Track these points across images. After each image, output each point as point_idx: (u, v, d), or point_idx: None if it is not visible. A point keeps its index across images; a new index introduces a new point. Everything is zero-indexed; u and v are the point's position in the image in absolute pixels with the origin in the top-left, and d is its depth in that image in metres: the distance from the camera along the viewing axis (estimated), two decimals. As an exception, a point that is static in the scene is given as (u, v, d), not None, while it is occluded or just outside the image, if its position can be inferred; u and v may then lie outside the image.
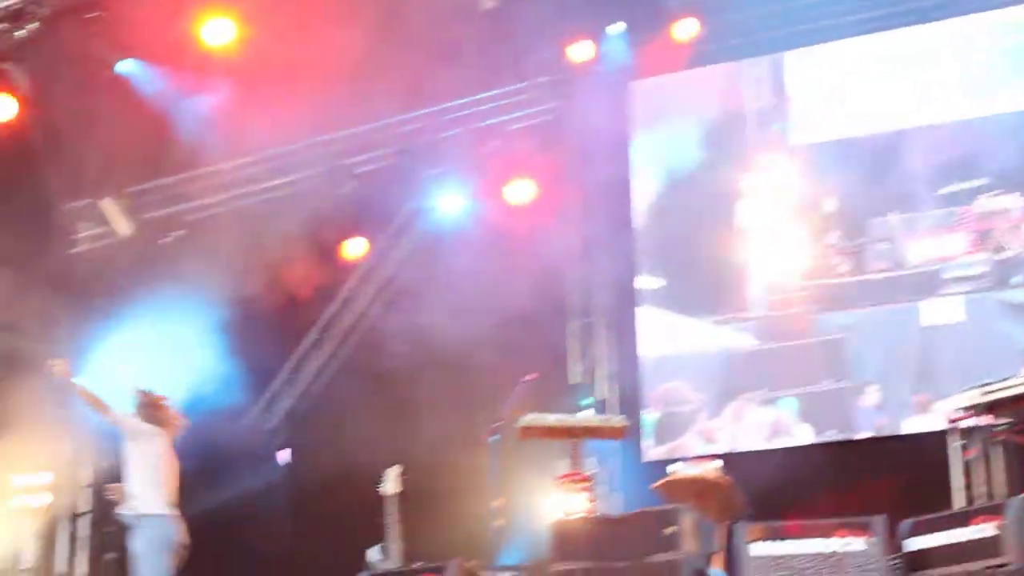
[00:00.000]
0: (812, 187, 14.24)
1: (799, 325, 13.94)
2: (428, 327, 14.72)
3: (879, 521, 8.35)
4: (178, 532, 10.13)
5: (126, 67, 13.79)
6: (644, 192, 15.00)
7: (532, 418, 11.38)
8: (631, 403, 14.29)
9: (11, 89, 13.50)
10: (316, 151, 15.41)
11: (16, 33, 12.69)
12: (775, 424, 13.76)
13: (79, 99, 14.05)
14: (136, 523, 10.09)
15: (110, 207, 15.17)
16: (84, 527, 15.08)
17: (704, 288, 14.52)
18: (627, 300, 14.86)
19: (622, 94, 15.19)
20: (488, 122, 15.29)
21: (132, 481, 10.21)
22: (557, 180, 15.17)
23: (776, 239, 14.30)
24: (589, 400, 14.63)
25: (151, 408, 10.43)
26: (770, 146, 14.53)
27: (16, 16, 12.67)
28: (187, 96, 14.38)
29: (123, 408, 10.41)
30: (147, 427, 10.32)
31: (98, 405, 10.23)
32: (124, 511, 10.17)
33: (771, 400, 13.89)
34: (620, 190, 15.02)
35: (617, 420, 11.71)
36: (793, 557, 7.72)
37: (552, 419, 11.43)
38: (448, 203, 15.84)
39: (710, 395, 14.15)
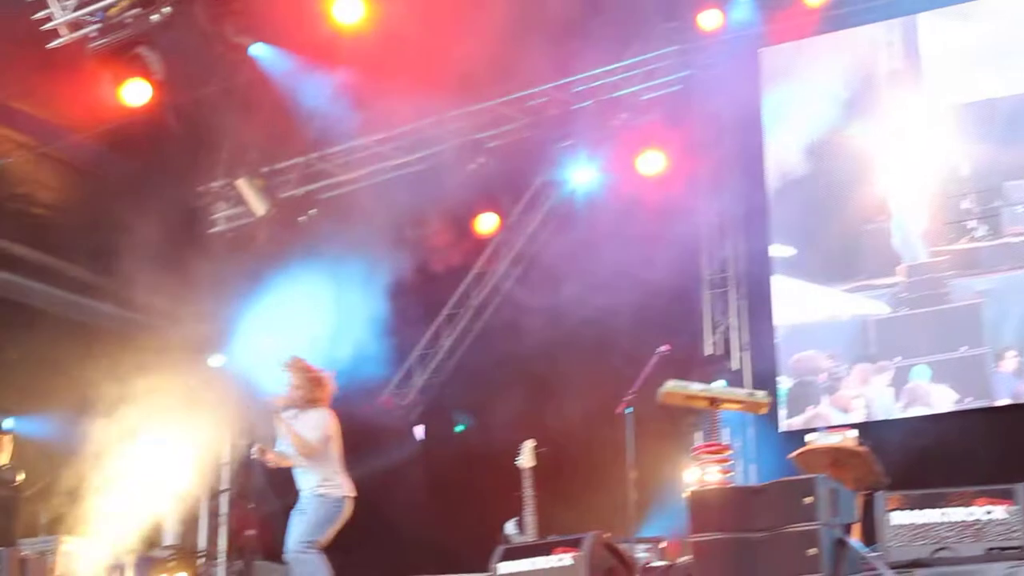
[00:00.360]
0: (947, 150, 13.97)
1: (934, 291, 13.70)
2: (561, 300, 14.76)
3: (1021, 489, 8.21)
4: (345, 510, 10.30)
5: (258, 49, 13.90)
6: (776, 159, 14.83)
7: (674, 385, 11.33)
8: (766, 373, 14.18)
9: (147, 73, 13.68)
10: (447, 126, 15.46)
11: (151, 17, 12.87)
12: (911, 392, 13.55)
13: (213, 81, 14.29)
14: (308, 502, 10.26)
15: (246, 187, 15.34)
16: (224, 504, 15.33)
17: (838, 255, 14.32)
18: (761, 269, 14.73)
19: (752, 61, 15.02)
20: (618, 93, 15.21)
21: (304, 462, 10.32)
22: (688, 150, 15.07)
23: (910, 203, 14.06)
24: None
25: (312, 385, 10.47)
26: (904, 110, 14.28)
27: (150, 0, 12.86)
28: (319, 75, 14.51)
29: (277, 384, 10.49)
30: (313, 414, 10.38)
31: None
32: (303, 491, 10.31)
33: (907, 368, 13.67)
34: (752, 159, 14.86)
35: (761, 395, 11.61)
36: (933, 526, 7.61)
37: (695, 387, 11.38)
38: (579, 176, 15.83)
39: (845, 364, 13.97)
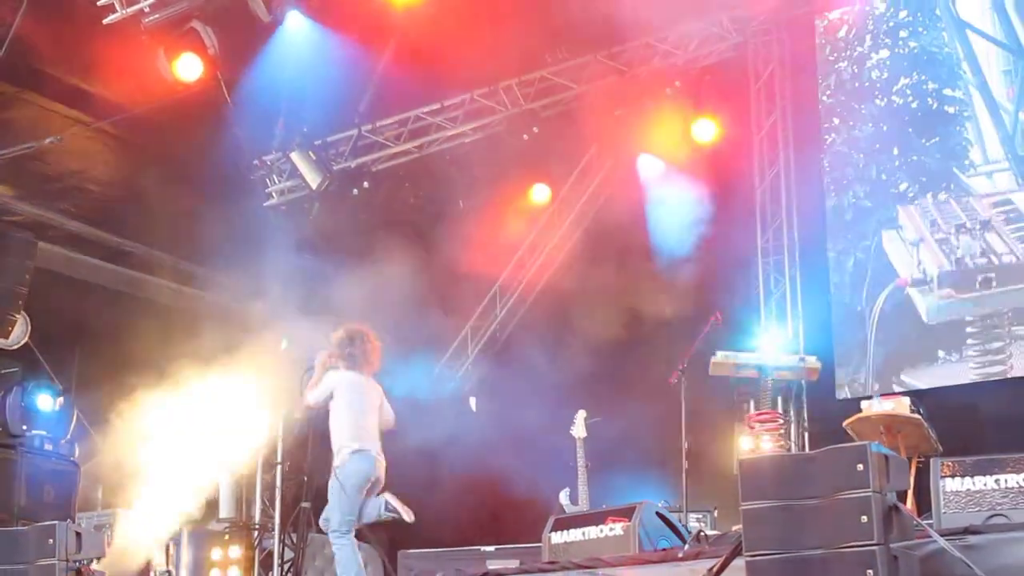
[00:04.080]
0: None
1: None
2: (615, 269, 14.72)
3: (1077, 454, 8.10)
4: (375, 468, 10.00)
5: (296, 21, 13.88)
6: (832, 126, 14.66)
7: (723, 355, 11.29)
8: (821, 340, 14.06)
9: (201, 48, 13.71)
10: (500, 96, 15.41)
11: (204, -8, 12.93)
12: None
13: (265, 56, 14.31)
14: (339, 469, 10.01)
15: (301, 159, 15.36)
16: (279, 477, 15.39)
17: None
18: (817, 238, 14.60)
19: (807, 28, 14.86)
20: (671, 61, 15.09)
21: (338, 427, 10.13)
22: (743, 118, 14.96)
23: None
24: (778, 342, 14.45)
25: (358, 345, 10.26)
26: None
27: (202, -25, 12.91)
28: (372, 47, 14.51)
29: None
30: (348, 374, 10.19)
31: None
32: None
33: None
34: (809, 124, 14.72)
35: (811, 361, 11.56)
36: (987, 493, 7.53)
37: (743, 357, 11.33)
38: (631, 144, 15.72)
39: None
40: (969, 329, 13.42)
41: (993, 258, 13.43)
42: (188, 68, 13.50)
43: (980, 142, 13.81)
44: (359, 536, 11.01)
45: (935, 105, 14.15)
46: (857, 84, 14.65)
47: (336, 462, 9.95)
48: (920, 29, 14.35)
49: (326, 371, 10.19)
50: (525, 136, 15.24)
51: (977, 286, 13.40)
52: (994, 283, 13.35)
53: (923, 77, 14.27)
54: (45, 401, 13.25)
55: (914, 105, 14.30)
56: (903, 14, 14.47)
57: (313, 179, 15.42)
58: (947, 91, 14.09)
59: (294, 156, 15.41)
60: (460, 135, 15.71)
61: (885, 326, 13.85)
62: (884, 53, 14.52)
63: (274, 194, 16.18)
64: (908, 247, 13.88)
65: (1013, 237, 13.40)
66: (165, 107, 14.25)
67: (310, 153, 15.37)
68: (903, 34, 14.48)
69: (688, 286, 13.92)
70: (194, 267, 15.37)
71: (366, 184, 15.95)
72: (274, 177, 16.14)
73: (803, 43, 14.85)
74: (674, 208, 14.83)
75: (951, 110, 14.05)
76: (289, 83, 14.64)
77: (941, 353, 13.47)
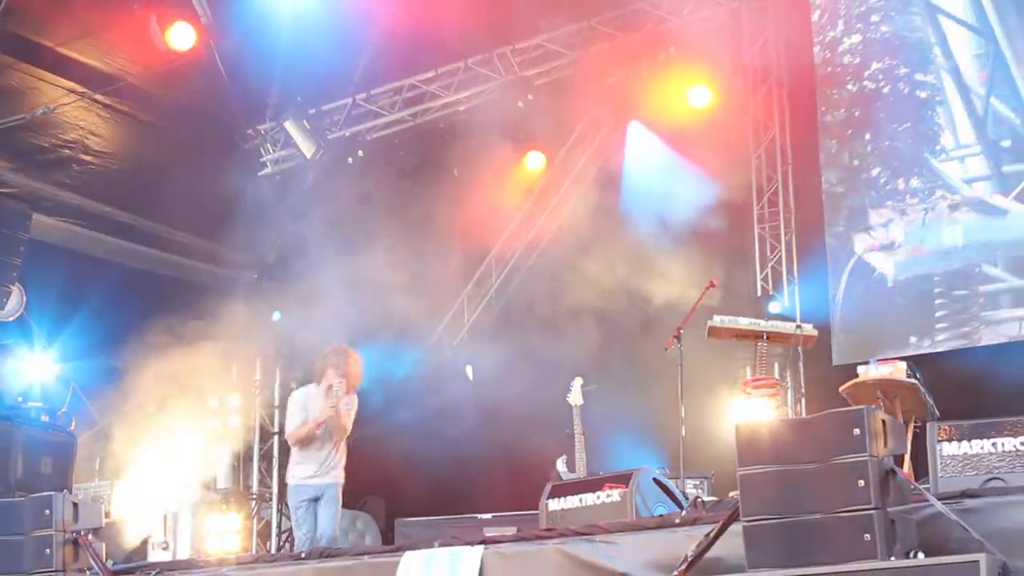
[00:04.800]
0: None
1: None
2: (610, 236, 14.69)
3: (1074, 418, 8.10)
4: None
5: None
6: (828, 92, 14.61)
7: (720, 319, 11.28)
8: (818, 307, 14.05)
9: (193, 17, 13.68)
10: (494, 64, 15.35)
11: (196, -41, 12.88)
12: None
13: (258, 24, 14.26)
14: (334, 493, 10.78)
15: (295, 128, 15.32)
16: (275, 447, 15.42)
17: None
18: (813, 205, 14.58)
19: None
20: (665, 25, 15.02)
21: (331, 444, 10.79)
22: (738, 83, 14.91)
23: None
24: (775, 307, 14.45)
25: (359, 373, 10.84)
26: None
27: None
28: (366, 14, 14.46)
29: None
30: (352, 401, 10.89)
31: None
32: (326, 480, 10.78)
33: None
34: (804, 91, 14.67)
35: (808, 328, 11.55)
36: (984, 456, 7.53)
37: (743, 322, 11.32)
38: (626, 110, 15.66)
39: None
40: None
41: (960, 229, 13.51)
42: (181, 37, 13.48)
43: (952, 127, 13.81)
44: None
45: (907, 90, 14.15)
46: (830, 69, 14.59)
47: (342, 478, 10.93)
48: (892, 13, 14.31)
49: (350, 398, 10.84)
50: (520, 104, 15.17)
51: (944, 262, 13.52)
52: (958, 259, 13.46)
53: (895, 62, 14.24)
54: (41, 373, 13.24)
55: (886, 90, 14.28)
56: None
57: (307, 148, 15.40)
58: (919, 76, 14.08)
59: (288, 125, 15.39)
60: (454, 103, 15.67)
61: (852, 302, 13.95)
62: (856, 38, 14.45)
63: (268, 163, 16.16)
64: (877, 231, 13.93)
65: (980, 220, 13.43)
66: (158, 77, 14.23)
67: (304, 122, 15.34)
68: (875, 18, 14.44)
69: (684, 253, 13.89)
70: (189, 237, 15.34)
71: (360, 153, 15.92)
72: (268, 146, 16.12)
73: (797, 11, 14.77)
74: (669, 175, 14.79)
75: (923, 95, 14.04)
76: (283, 52, 14.61)
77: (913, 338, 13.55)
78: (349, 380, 10.69)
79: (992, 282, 13.30)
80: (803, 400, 14.04)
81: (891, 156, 14.08)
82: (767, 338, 11.26)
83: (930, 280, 13.55)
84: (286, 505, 15.00)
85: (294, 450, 10.82)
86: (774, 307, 14.30)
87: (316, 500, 10.69)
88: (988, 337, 13.16)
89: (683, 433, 10.86)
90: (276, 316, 15.24)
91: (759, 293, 14.58)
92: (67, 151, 14.28)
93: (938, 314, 13.47)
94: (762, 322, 11.60)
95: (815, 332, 11.51)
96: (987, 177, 13.52)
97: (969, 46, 13.85)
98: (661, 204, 14.58)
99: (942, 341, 13.30)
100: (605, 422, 11.94)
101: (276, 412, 15.37)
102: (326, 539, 10.52)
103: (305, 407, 10.76)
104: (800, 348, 12.82)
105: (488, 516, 12.15)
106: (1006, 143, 13.50)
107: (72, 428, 13.08)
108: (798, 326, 11.68)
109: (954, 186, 13.64)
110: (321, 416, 10.62)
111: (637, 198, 15.02)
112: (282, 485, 15.01)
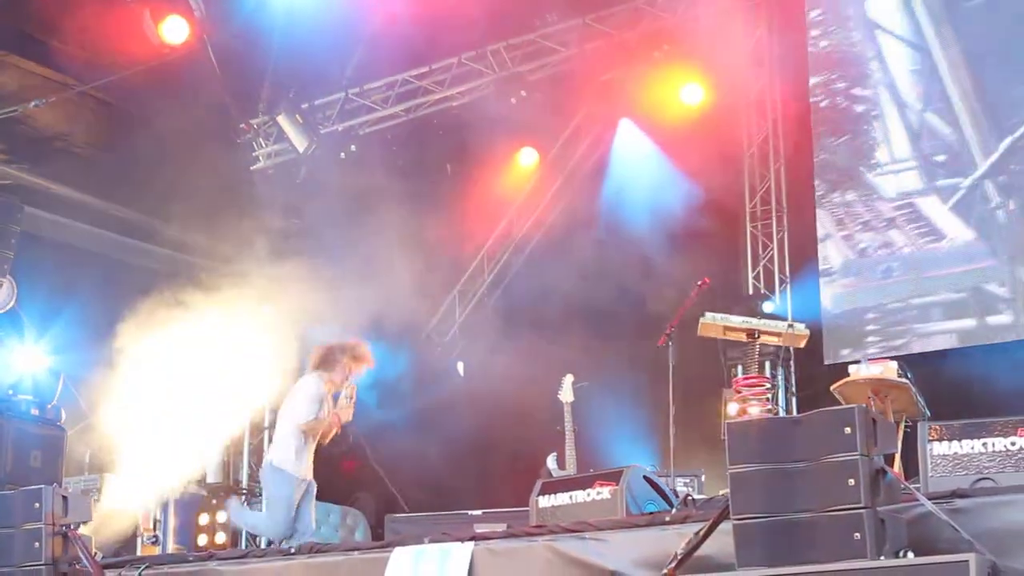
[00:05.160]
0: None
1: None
2: (603, 234, 14.69)
3: (1065, 418, 8.10)
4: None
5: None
6: (822, 93, 14.60)
7: (712, 316, 11.27)
8: (809, 306, 14.06)
9: (187, 11, 13.66)
10: (487, 60, 15.35)
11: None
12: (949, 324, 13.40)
13: (251, 18, 14.24)
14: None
15: (287, 123, 15.30)
16: (265, 441, 15.37)
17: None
18: (806, 204, 14.58)
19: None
20: (659, 23, 15.01)
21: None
22: (731, 80, 14.91)
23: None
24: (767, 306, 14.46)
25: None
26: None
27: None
28: (359, 8, 14.45)
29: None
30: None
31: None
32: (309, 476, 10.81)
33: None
34: (797, 89, 14.67)
35: (800, 328, 11.54)
36: (975, 456, 7.52)
37: (735, 319, 11.32)
38: (619, 107, 15.67)
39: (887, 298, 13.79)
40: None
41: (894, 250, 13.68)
42: (174, 31, 13.46)
43: (887, 141, 13.89)
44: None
45: (844, 104, 14.25)
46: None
47: None
48: (831, 28, 14.34)
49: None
50: (513, 100, 15.17)
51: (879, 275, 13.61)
52: (894, 273, 13.54)
53: (833, 76, 14.29)
54: (32, 366, 13.20)
55: (824, 104, 14.34)
56: (815, 13, 14.45)
57: (300, 142, 15.38)
58: (856, 90, 14.18)
59: (281, 119, 15.36)
60: (448, 98, 15.66)
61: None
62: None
63: (261, 157, 16.14)
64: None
65: (914, 234, 13.52)
66: (151, 70, 14.20)
67: (297, 116, 15.32)
68: (814, 33, 14.47)
69: (676, 251, 13.90)
70: (181, 231, 15.31)
71: (353, 148, 15.90)
72: (261, 140, 16.08)
73: (791, 10, 14.77)
74: (662, 173, 14.80)
75: (860, 109, 14.12)
76: (276, 46, 14.59)
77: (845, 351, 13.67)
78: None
79: (925, 295, 13.43)
80: (794, 399, 14.06)
81: (828, 169, 14.23)
82: (759, 336, 11.25)
83: (864, 290, 13.67)
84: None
85: (296, 439, 10.76)
86: (766, 306, 14.32)
87: (303, 495, 10.70)
88: (920, 349, 13.32)
89: (673, 431, 10.86)
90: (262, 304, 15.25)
91: (751, 292, 14.60)
92: (60, 144, 14.25)
93: (869, 327, 13.60)
94: (754, 320, 11.59)
95: (807, 332, 11.51)
96: (921, 191, 13.65)
97: (906, 61, 13.99)
98: (653, 202, 14.58)
99: (873, 354, 13.35)
100: (596, 419, 11.95)
101: (266, 407, 15.31)
102: (311, 533, 10.54)
103: (320, 401, 10.74)
104: (792, 347, 12.84)
105: (478, 512, 12.14)
106: (940, 157, 13.65)
107: (62, 421, 13.07)
108: (790, 325, 11.67)
109: (889, 199, 13.72)
110: (344, 419, 10.70)
111: (630, 195, 15.02)
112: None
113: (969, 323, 13.19)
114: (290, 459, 10.72)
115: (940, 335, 13.30)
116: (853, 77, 14.21)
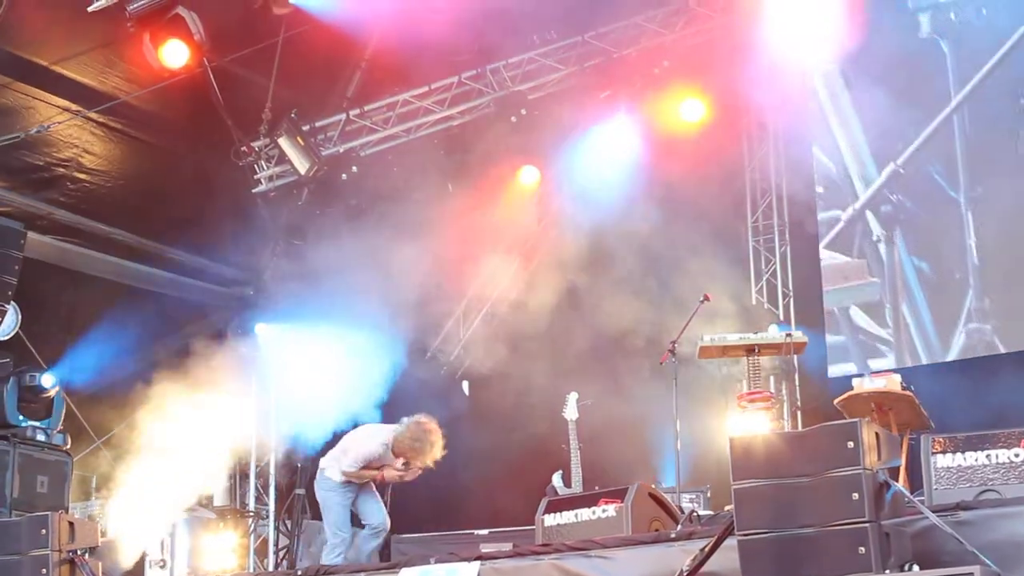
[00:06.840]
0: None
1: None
2: (606, 252, 14.70)
3: (1069, 429, 8.10)
4: None
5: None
6: (822, 106, 14.63)
7: (710, 339, 11.29)
8: (812, 320, 14.07)
9: (187, 34, 13.65)
10: (487, 79, 15.37)
11: (196, -23, 12.88)
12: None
13: (251, 41, 14.25)
14: None
15: (289, 145, 15.30)
16: (272, 464, 15.39)
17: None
18: (807, 217, 14.60)
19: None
20: (658, 40, 15.03)
21: None
22: (732, 96, 14.91)
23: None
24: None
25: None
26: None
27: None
28: (358, 30, 14.48)
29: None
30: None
31: None
32: None
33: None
34: (797, 103, 14.68)
35: (797, 335, 11.57)
36: (979, 468, 7.53)
37: (732, 338, 11.34)
38: (621, 126, 15.68)
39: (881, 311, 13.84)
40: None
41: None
42: (174, 55, 13.43)
43: None
44: (354, 521, 11.16)
45: None
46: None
47: None
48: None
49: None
50: (513, 118, 15.16)
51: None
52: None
53: None
54: (36, 392, 13.21)
55: None
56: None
57: (302, 165, 15.36)
58: None
59: (282, 142, 15.34)
60: (448, 118, 15.66)
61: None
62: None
63: (263, 180, 16.11)
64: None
65: None
66: (152, 94, 14.22)
67: (298, 138, 15.31)
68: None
69: (678, 266, 13.91)
70: (184, 255, 15.32)
71: (355, 169, 15.89)
72: (262, 163, 16.06)
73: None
74: (663, 188, 14.80)
75: None
76: (277, 68, 14.60)
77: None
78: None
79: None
80: (799, 413, 14.05)
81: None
82: (758, 351, 11.27)
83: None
84: (283, 522, 15.08)
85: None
86: (770, 319, 14.31)
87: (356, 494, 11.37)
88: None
89: (678, 447, 10.86)
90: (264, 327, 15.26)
91: (754, 304, 14.61)
92: (62, 169, 14.27)
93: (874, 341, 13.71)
94: (751, 335, 11.63)
95: (805, 339, 11.54)
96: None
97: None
98: (654, 217, 14.59)
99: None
100: (601, 436, 11.94)
101: (272, 430, 15.33)
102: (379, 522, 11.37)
103: (369, 460, 11.13)
104: (795, 360, 12.86)
105: (484, 532, 12.17)
106: (819, 189, 14.24)
107: (67, 447, 13.09)
108: (788, 334, 11.70)
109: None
110: (387, 479, 11.25)
111: (632, 211, 15.01)
112: (279, 502, 15.06)
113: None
114: (336, 473, 11.29)
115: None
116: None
